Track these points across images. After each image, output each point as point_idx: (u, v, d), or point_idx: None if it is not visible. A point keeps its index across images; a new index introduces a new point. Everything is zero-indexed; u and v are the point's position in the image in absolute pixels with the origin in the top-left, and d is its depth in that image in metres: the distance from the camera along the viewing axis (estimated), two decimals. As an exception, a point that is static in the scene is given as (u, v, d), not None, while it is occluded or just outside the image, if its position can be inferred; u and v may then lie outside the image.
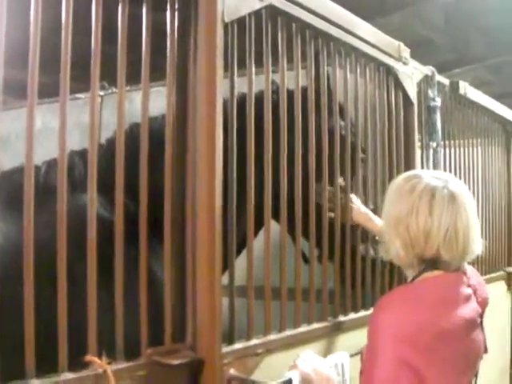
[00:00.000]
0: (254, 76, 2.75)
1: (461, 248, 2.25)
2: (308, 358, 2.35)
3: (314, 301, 3.03)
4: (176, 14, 2.49)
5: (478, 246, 2.32)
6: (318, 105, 3.15)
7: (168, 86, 2.46)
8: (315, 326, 3.03)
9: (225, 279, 2.63)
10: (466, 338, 2.24)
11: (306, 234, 3.06)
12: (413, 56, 3.96)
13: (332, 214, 3.27)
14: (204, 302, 2.39)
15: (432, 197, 2.25)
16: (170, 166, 2.42)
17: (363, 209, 3.41)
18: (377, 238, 3.33)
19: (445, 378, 2.17)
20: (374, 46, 3.52)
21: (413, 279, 2.32)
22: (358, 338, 3.17)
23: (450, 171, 4.61)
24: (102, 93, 4.77)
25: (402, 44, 3.79)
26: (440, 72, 4.46)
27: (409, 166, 3.88)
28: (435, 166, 4.26)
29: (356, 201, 3.41)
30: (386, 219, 2.38)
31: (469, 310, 2.26)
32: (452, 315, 2.19)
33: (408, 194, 2.29)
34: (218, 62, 2.45)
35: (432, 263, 2.27)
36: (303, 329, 2.94)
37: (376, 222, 3.30)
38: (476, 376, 2.38)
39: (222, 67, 2.49)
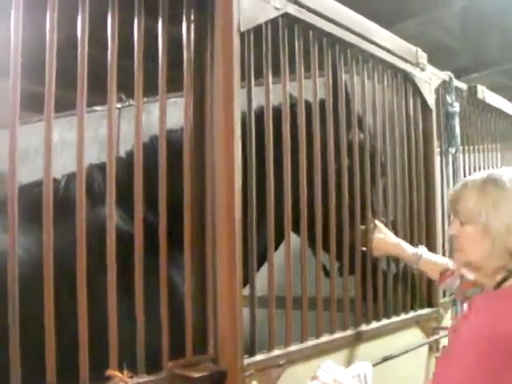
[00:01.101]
0: (271, 86, 2.74)
1: None
2: (329, 368, 2.35)
3: (335, 310, 3.00)
4: (192, 25, 2.48)
5: None
6: (336, 115, 3.13)
7: (186, 97, 2.45)
8: (336, 335, 3.00)
9: (246, 290, 2.64)
10: None
11: (325, 247, 3.04)
12: (430, 62, 3.93)
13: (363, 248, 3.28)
14: (225, 313, 2.38)
15: (509, 190, 2.20)
16: (188, 179, 2.40)
17: (394, 239, 3.36)
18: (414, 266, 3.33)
19: None
20: (391, 52, 3.50)
21: (502, 281, 2.23)
22: (380, 348, 3.17)
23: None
24: (119, 105, 4.78)
25: (419, 50, 3.77)
26: (457, 77, 4.43)
27: (428, 173, 3.86)
28: (455, 172, 4.22)
29: (385, 230, 3.38)
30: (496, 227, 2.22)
31: None
32: None
33: (485, 190, 2.23)
34: (235, 72, 2.44)
35: None
36: (325, 338, 2.92)
37: (409, 251, 3.28)
38: None
39: (239, 77, 2.48)
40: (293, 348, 2.70)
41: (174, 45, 2.47)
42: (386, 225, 3.43)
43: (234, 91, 2.43)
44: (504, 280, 2.23)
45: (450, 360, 2.14)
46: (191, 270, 2.38)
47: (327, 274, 3.07)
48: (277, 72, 2.79)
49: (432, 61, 4.00)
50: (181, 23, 2.47)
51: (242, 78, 2.54)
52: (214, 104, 2.45)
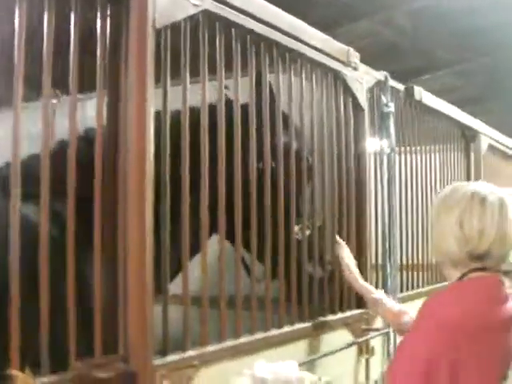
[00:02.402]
0: (188, 85, 2.70)
1: (508, 249, 2.54)
2: (263, 365, 2.53)
3: (256, 311, 2.97)
4: (107, 20, 2.43)
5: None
6: (260, 116, 3.10)
7: (98, 97, 2.39)
8: (257, 336, 2.96)
9: (175, 288, 2.64)
10: (504, 334, 2.50)
11: (247, 246, 3.01)
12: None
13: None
14: (135, 313, 2.33)
15: (483, 199, 2.50)
16: (99, 182, 2.35)
17: (360, 280, 3.48)
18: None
19: (479, 374, 2.39)
20: (320, 50, 3.48)
21: (459, 279, 2.52)
22: (304, 349, 3.16)
23: (407, 178, 4.59)
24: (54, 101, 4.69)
25: (351, 49, 3.75)
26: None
27: (360, 173, 3.85)
28: (389, 172, 4.23)
29: (352, 267, 3.50)
30: (440, 222, 2.58)
31: (509, 309, 2.50)
32: (495, 310, 2.47)
33: (460, 198, 2.53)
34: (149, 71, 2.39)
35: (481, 260, 2.49)
36: (244, 339, 2.87)
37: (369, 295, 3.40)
38: (505, 379, 2.54)
39: (153, 76, 2.43)
40: (209, 349, 2.66)
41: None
42: (313, 229, 3.42)
43: (147, 91, 2.38)
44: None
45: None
46: (101, 269, 2.33)
47: (249, 272, 3.05)
48: (198, 71, 2.77)
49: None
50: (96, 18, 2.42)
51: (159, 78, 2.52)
52: (128, 105, 2.40)
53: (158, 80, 2.54)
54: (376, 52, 10.48)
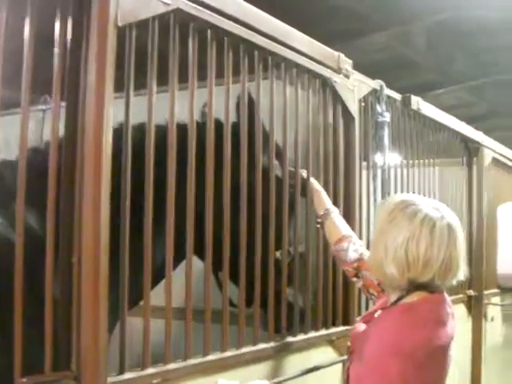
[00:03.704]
0: (155, 92, 2.52)
1: (453, 275, 2.47)
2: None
3: (227, 326, 2.81)
4: (69, 18, 2.29)
5: (463, 273, 2.51)
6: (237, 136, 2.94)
7: (53, 101, 2.25)
8: (228, 353, 2.79)
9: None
10: (448, 355, 2.49)
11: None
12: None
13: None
14: (88, 329, 2.18)
15: (433, 227, 2.41)
16: (53, 193, 2.21)
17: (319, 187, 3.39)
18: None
19: None
20: (308, 56, 3.31)
21: (399, 299, 2.51)
22: (281, 367, 3.02)
23: (402, 192, 4.40)
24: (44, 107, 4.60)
25: (341, 55, 3.59)
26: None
27: (349, 185, 3.68)
28: (383, 186, 4.07)
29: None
30: (383, 241, 2.48)
31: (451, 328, 2.51)
32: (441, 333, 2.45)
33: (408, 220, 2.44)
34: (108, 72, 2.23)
35: (423, 287, 2.47)
36: (212, 357, 2.71)
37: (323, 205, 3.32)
38: None
39: (113, 79, 2.26)
40: (171, 366, 2.50)
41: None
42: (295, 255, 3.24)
43: (105, 95, 2.22)
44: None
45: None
46: (53, 276, 2.19)
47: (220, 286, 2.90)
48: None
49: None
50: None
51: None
52: (87, 110, 2.24)
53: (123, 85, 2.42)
54: (391, 66, 10.48)
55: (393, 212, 2.51)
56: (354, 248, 3.09)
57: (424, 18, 11.22)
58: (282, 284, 3.12)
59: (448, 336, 2.49)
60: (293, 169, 3.24)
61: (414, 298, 2.49)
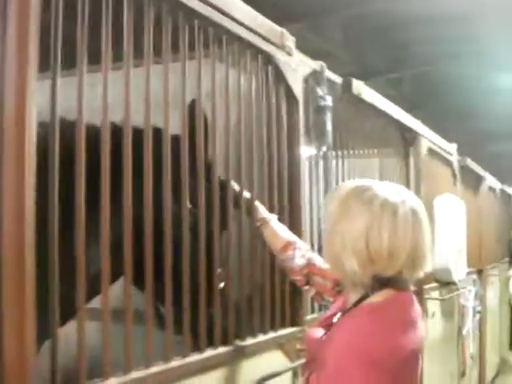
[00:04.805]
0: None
1: (421, 266, 2.22)
2: None
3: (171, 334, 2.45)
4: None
5: (429, 263, 2.27)
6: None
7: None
8: (174, 363, 2.44)
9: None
10: (420, 359, 2.25)
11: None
12: None
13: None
14: (12, 342, 1.80)
15: (395, 213, 2.15)
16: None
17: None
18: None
19: None
20: (250, 29, 2.94)
21: (362, 298, 2.22)
22: (228, 376, 2.69)
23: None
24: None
25: (284, 30, 3.25)
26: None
27: (293, 171, 3.35)
28: (326, 173, 3.78)
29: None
30: (339, 233, 2.20)
31: (422, 329, 2.27)
32: (412, 337, 2.20)
33: (365, 206, 2.17)
34: (32, 50, 1.83)
35: (390, 282, 2.20)
36: (157, 369, 2.35)
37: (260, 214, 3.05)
38: None
39: (37, 58, 1.86)
40: (110, 381, 2.14)
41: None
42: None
43: (27, 81, 1.82)
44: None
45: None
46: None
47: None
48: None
49: None
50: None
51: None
52: (6, 98, 1.81)
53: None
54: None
55: (347, 200, 2.23)
56: (300, 254, 2.89)
57: (339, 11, 11.24)
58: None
59: (419, 339, 2.24)
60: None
61: (379, 297, 2.21)
